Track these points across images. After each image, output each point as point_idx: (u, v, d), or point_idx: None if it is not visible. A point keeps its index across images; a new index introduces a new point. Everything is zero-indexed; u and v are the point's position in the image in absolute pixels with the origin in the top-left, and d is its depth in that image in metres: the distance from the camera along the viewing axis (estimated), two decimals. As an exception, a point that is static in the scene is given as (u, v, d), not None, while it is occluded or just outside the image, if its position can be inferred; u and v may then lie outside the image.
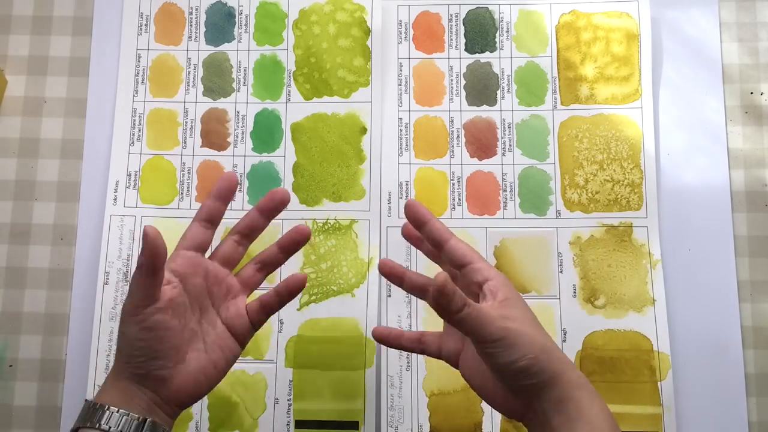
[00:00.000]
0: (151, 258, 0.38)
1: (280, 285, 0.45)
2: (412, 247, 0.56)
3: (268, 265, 0.46)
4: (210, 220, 0.44)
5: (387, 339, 0.46)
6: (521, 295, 0.42)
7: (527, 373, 0.37)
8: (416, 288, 0.46)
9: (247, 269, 0.45)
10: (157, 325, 0.39)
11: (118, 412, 0.38)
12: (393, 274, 0.46)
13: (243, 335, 0.44)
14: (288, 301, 0.45)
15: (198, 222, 0.44)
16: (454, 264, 0.42)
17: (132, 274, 0.41)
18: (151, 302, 0.39)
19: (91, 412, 0.38)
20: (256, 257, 0.46)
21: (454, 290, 0.36)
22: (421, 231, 0.44)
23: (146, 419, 0.39)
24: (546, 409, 0.38)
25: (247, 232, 0.45)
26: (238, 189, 0.58)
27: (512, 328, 0.38)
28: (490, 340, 0.37)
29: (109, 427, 0.38)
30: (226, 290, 0.44)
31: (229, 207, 0.57)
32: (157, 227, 0.56)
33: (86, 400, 0.40)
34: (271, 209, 0.45)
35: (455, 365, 0.44)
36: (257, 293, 0.46)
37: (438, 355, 0.45)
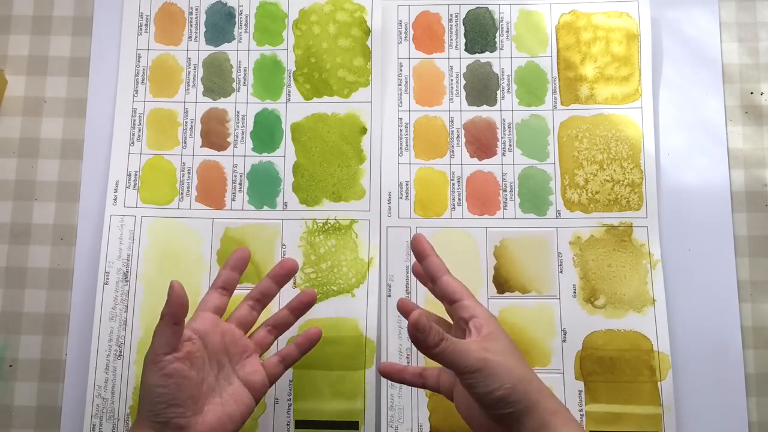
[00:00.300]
0: (175, 309, 0.43)
1: (300, 338, 0.50)
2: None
3: (278, 327, 0.50)
4: (225, 287, 0.49)
5: (391, 374, 0.49)
6: (505, 333, 0.44)
7: (505, 402, 0.40)
8: (432, 276, 0.48)
9: (260, 332, 0.50)
10: (176, 372, 0.42)
11: None
12: (417, 252, 0.48)
13: (258, 390, 0.47)
14: (307, 352, 0.50)
15: (215, 289, 0.49)
16: (446, 299, 0.46)
17: (155, 326, 0.44)
18: (171, 351, 0.43)
19: None
20: (267, 320, 0.50)
21: (429, 326, 0.40)
22: (421, 264, 0.47)
23: None
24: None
25: (260, 298, 0.50)
26: (238, 190, 0.58)
27: (490, 359, 0.40)
28: (468, 371, 0.40)
29: None
30: (242, 350, 0.48)
31: (230, 207, 0.58)
32: (157, 227, 0.57)
33: None
34: (282, 276, 0.50)
35: (450, 399, 0.47)
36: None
37: (437, 389, 0.47)
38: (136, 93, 0.60)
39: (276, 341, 0.51)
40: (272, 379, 0.48)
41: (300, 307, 0.50)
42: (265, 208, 0.58)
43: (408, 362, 0.55)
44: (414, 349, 0.55)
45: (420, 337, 0.40)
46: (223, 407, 0.45)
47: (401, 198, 0.58)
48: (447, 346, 0.40)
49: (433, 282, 0.46)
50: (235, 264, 0.49)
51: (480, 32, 0.60)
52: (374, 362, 0.55)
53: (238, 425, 0.45)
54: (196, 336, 0.45)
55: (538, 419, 0.40)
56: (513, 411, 0.40)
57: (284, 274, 0.50)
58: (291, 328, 0.51)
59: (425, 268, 0.47)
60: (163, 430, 0.42)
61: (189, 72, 0.60)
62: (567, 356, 0.55)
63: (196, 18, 0.61)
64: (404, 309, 0.51)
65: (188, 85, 0.60)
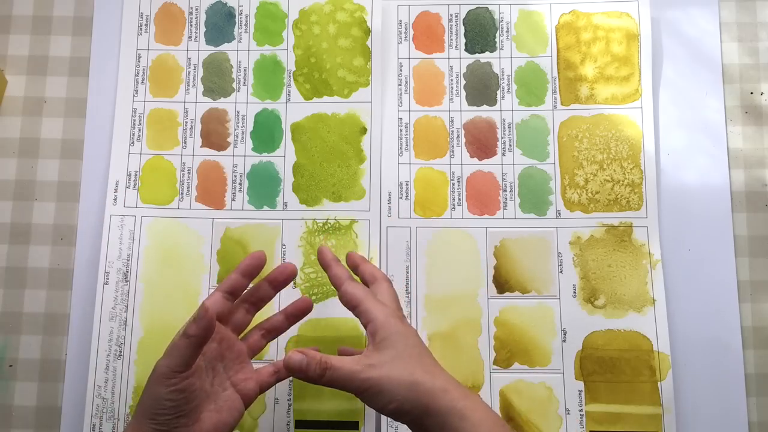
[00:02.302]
0: (204, 332, 0.42)
1: (289, 307, 0.50)
2: (412, 247, 0.57)
3: (272, 332, 0.50)
4: (232, 292, 0.48)
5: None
6: (405, 327, 0.44)
7: (400, 413, 0.41)
8: (335, 285, 0.48)
9: (254, 335, 0.50)
10: (187, 388, 0.42)
11: None
12: (322, 262, 0.50)
13: (250, 398, 0.47)
14: (296, 322, 0.50)
15: (221, 293, 0.48)
16: (348, 308, 0.46)
17: (174, 339, 0.43)
18: (187, 369, 0.42)
19: None
20: (261, 324, 0.50)
21: (305, 362, 0.41)
22: (327, 273, 0.49)
23: None
24: None
25: (256, 302, 0.50)
26: (238, 190, 0.58)
27: (374, 378, 0.41)
28: (358, 393, 0.41)
29: None
30: (237, 355, 0.48)
31: (230, 207, 0.58)
32: (158, 227, 0.57)
33: None
34: (281, 282, 0.50)
35: None
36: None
37: None
38: (136, 93, 0.60)
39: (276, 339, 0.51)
40: (263, 388, 0.48)
41: (296, 314, 0.50)
42: (265, 208, 0.58)
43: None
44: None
45: (300, 376, 0.41)
46: (218, 414, 0.45)
47: (401, 198, 0.58)
48: (331, 374, 0.41)
49: (337, 289, 0.47)
50: (248, 271, 0.49)
51: (480, 32, 0.60)
52: (374, 362, 0.55)
53: (230, 429, 0.45)
54: None
55: (438, 419, 0.40)
56: (412, 418, 0.41)
57: (283, 279, 0.50)
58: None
59: (330, 280, 0.48)
60: None
61: (189, 72, 0.60)
62: (567, 356, 0.55)
63: (196, 18, 0.61)
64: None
65: (188, 85, 0.60)
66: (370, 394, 0.41)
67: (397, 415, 0.41)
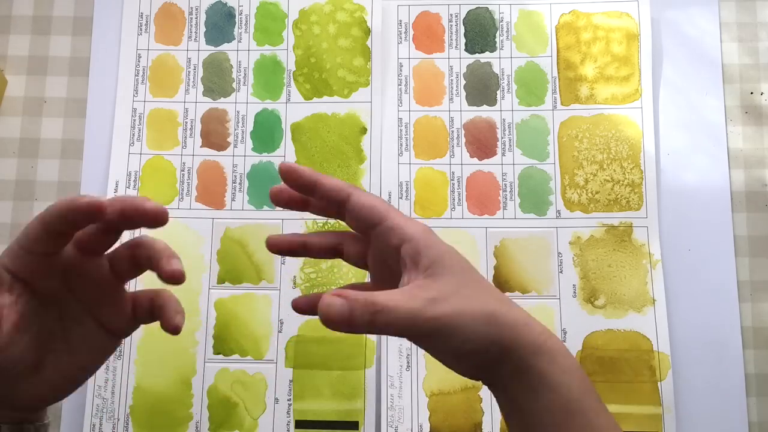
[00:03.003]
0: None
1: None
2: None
3: (141, 245, 0.37)
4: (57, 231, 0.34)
5: (277, 247, 0.39)
6: (450, 247, 0.35)
7: (477, 353, 0.32)
8: (333, 204, 0.37)
9: (120, 251, 0.37)
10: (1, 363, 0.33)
11: None
12: (300, 184, 0.37)
13: (120, 329, 0.36)
14: (141, 227, 0.36)
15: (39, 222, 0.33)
16: (363, 224, 0.36)
17: None
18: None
19: None
20: (129, 242, 0.37)
21: (348, 309, 0.30)
22: (314, 195, 0.36)
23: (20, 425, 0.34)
24: (504, 378, 0.33)
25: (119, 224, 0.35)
26: (238, 190, 0.58)
27: (444, 315, 0.31)
28: (421, 336, 0.32)
29: None
30: (97, 282, 0.36)
31: (230, 207, 0.58)
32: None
33: None
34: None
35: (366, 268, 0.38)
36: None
37: (348, 260, 0.39)
38: (136, 93, 0.60)
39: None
40: (141, 320, 0.36)
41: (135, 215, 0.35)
42: (265, 208, 0.58)
43: (408, 363, 0.55)
44: (414, 348, 0.55)
45: (342, 326, 0.30)
46: (70, 356, 0.35)
47: (401, 198, 0.58)
48: (385, 318, 0.30)
49: (339, 207, 0.36)
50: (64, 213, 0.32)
51: (480, 32, 0.60)
52: (374, 362, 0.55)
53: (91, 373, 0.37)
54: (20, 286, 0.34)
55: (518, 362, 0.32)
56: (487, 357, 0.32)
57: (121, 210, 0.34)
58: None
59: (327, 197, 0.36)
60: None
61: (189, 72, 0.60)
62: (567, 356, 0.55)
63: (196, 18, 0.61)
64: (303, 307, 0.40)
65: (188, 85, 0.60)
66: (440, 337, 0.31)
67: (470, 357, 0.32)
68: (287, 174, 0.36)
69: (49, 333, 0.35)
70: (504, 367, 0.32)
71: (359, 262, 0.39)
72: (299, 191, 0.37)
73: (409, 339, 0.33)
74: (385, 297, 0.31)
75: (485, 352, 0.32)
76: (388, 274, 0.36)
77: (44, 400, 0.36)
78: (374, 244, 0.37)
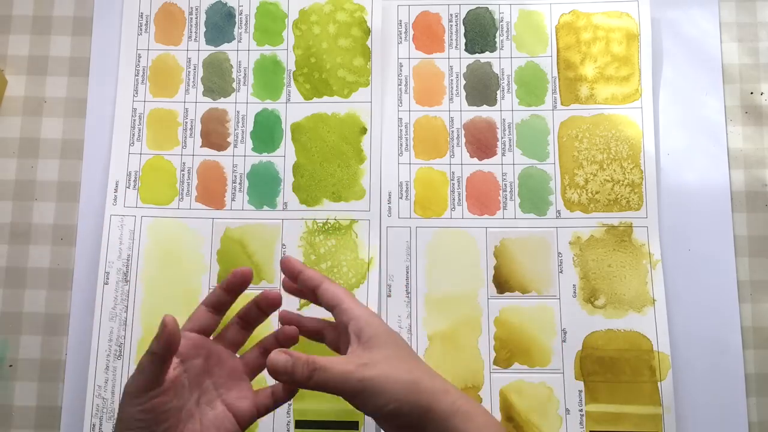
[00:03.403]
0: (167, 347, 0.39)
1: (277, 387, 0.44)
2: (412, 247, 0.57)
3: (271, 349, 0.45)
4: (216, 308, 0.45)
5: (289, 321, 0.46)
6: (390, 328, 0.42)
7: (398, 415, 0.38)
8: (313, 333, 0.46)
9: (252, 352, 0.46)
10: (157, 407, 0.39)
11: None
12: (289, 271, 0.46)
13: (244, 417, 0.43)
14: (293, 395, 0.45)
15: (205, 306, 0.44)
16: (327, 307, 0.43)
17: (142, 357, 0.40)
18: (155, 386, 0.39)
19: None
20: (260, 342, 0.46)
21: (290, 363, 0.37)
22: (297, 282, 0.45)
23: None
24: None
25: (246, 320, 0.46)
26: (238, 190, 0.58)
27: (370, 377, 0.38)
28: (351, 395, 0.38)
29: None
30: (229, 371, 0.44)
31: (230, 207, 0.58)
32: (158, 227, 0.57)
33: None
34: (246, 293, 0.45)
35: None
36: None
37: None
38: (136, 93, 0.60)
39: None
40: (261, 410, 0.44)
41: (286, 340, 0.46)
42: (265, 208, 0.58)
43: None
44: (415, 347, 0.55)
45: (284, 378, 0.38)
46: None
47: (401, 198, 0.58)
48: (320, 375, 0.37)
49: (314, 293, 0.44)
50: (231, 287, 0.44)
51: (480, 32, 0.60)
52: (374, 362, 0.55)
53: None
54: (178, 360, 0.42)
55: (437, 424, 0.38)
56: (408, 420, 0.38)
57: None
58: None
59: (304, 284, 0.44)
60: None
61: (189, 72, 0.60)
62: (567, 356, 0.55)
63: (196, 18, 0.61)
64: (288, 269, 0.46)
65: (188, 85, 0.60)
66: (366, 396, 0.38)
67: (394, 418, 0.38)
68: (282, 264, 0.45)
69: (189, 413, 0.42)
70: (427, 429, 0.38)
71: (332, 346, 0.46)
72: (290, 279, 0.45)
73: (344, 398, 0.38)
74: (325, 359, 0.38)
75: (408, 415, 0.38)
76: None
77: None
78: (338, 327, 0.44)
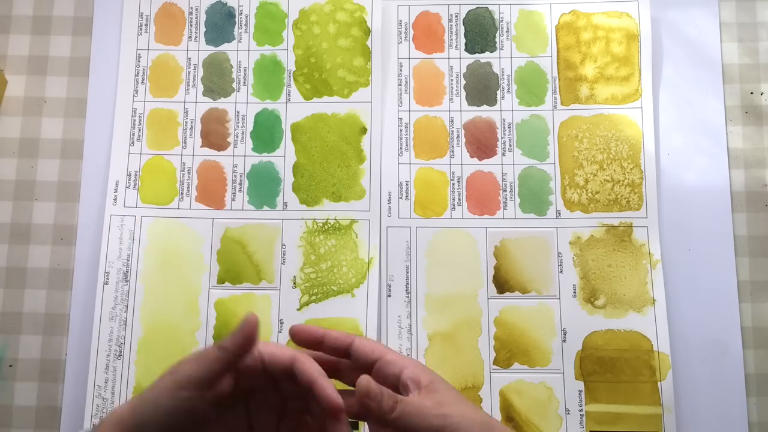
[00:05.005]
0: (245, 343, 0.36)
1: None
2: (413, 247, 0.57)
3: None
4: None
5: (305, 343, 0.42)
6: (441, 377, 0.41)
7: None
8: (339, 349, 0.42)
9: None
10: (194, 410, 0.35)
11: None
12: (309, 341, 0.42)
13: None
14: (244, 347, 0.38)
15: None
16: (365, 363, 0.41)
17: (202, 349, 0.37)
18: (207, 386, 0.35)
19: None
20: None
21: (381, 390, 0.36)
22: (321, 349, 0.41)
23: None
24: None
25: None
26: (238, 190, 0.58)
27: (450, 414, 0.37)
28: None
29: None
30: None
31: (230, 207, 0.58)
32: (157, 227, 0.57)
33: None
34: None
35: None
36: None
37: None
38: (136, 93, 0.60)
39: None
40: None
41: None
42: (265, 208, 0.58)
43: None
44: (414, 349, 0.55)
45: (373, 405, 0.36)
46: None
47: (401, 198, 0.58)
48: (405, 408, 0.36)
49: (345, 351, 0.41)
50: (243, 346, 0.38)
51: (480, 32, 0.60)
52: (374, 362, 0.55)
53: None
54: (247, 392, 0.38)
55: None
56: None
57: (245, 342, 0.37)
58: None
59: (329, 348, 0.41)
60: None
61: (189, 72, 0.60)
62: (567, 356, 0.55)
63: (196, 18, 0.61)
64: (307, 338, 0.42)
65: (188, 85, 0.60)
66: None
67: None
68: (296, 335, 0.41)
69: None
70: None
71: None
72: (310, 347, 0.41)
73: None
74: (403, 396, 0.37)
75: None
76: None
77: None
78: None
